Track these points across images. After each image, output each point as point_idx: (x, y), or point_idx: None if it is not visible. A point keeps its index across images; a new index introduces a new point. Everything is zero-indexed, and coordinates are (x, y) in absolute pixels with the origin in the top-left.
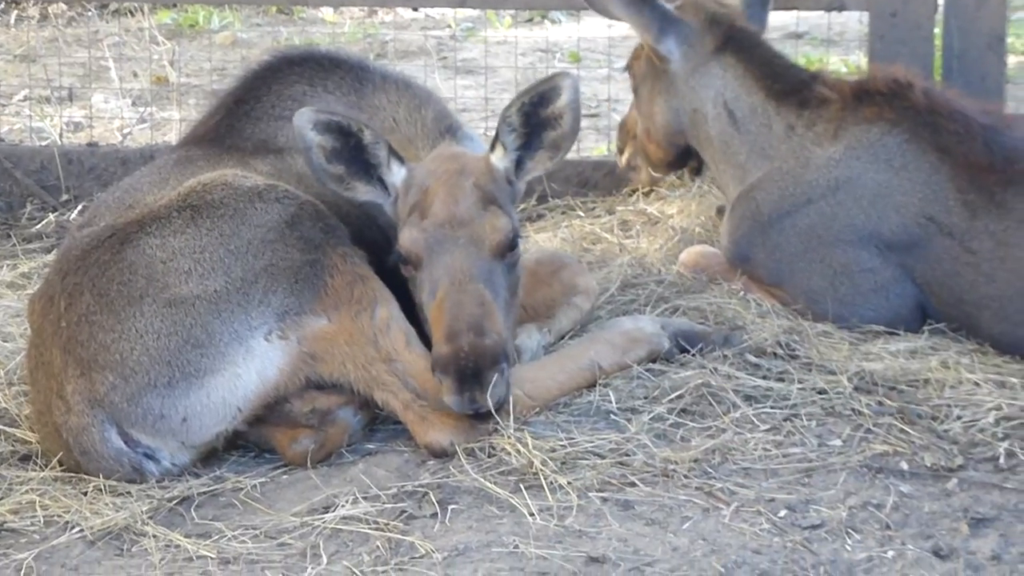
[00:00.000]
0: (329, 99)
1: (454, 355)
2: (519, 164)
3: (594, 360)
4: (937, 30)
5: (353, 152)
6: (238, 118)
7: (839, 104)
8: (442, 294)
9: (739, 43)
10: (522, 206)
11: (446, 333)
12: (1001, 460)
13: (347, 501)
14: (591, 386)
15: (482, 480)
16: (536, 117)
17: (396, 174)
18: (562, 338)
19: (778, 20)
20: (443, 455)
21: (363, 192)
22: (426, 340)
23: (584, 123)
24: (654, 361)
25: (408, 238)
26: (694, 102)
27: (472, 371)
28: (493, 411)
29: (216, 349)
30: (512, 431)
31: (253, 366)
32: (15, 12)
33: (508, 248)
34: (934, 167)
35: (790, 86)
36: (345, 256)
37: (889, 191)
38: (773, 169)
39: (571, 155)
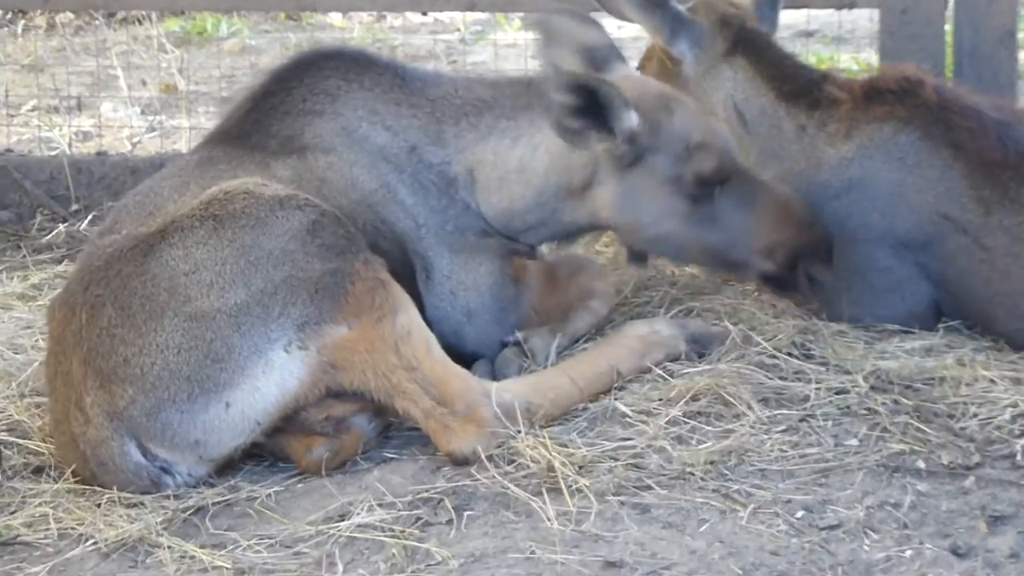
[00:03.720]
0: (367, 95)
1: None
2: None
3: (613, 365)
4: (948, 26)
5: (588, 107)
6: (265, 113)
7: (850, 104)
8: (777, 194)
9: (749, 44)
10: None
11: (807, 221)
12: (1018, 457)
13: (362, 509)
14: (608, 391)
15: (503, 482)
16: None
17: (629, 119)
18: (576, 341)
19: (789, 19)
20: (466, 463)
21: (596, 142)
22: (449, 353)
23: None
24: (672, 361)
25: (713, 154)
26: (706, 104)
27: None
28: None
29: (236, 363)
30: (533, 436)
31: (272, 379)
32: (22, 22)
33: None
34: (947, 164)
35: (800, 87)
36: (367, 262)
37: (903, 190)
38: (785, 170)
39: None
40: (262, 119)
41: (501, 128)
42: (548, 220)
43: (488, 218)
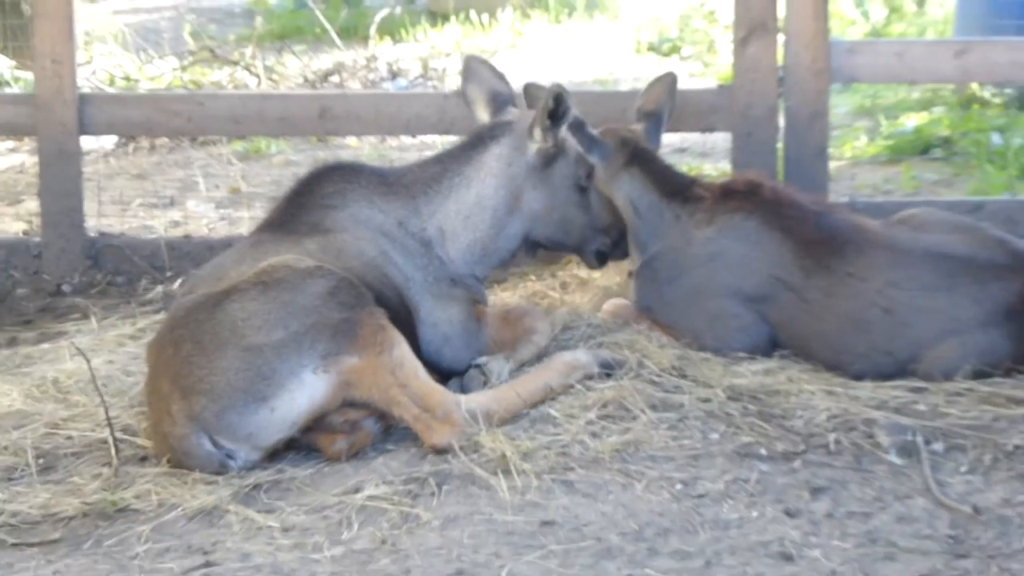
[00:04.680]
0: (364, 191)
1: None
2: None
3: (547, 382)
4: (780, 144)
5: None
6: (295, 209)
7: (711, 200)
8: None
9: (641, 159)
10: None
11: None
12: (831, 446)
13: (371, 485)
14: (544, 401)
15: (471, 466)
16: None
17: (563, 131)
18: (522, 366)
19: (668, 139)
20: (444, 453)
21: (546, 140)
22: (430, 372)
23: None
24: (588, 379)
25: (586, 159)
26: (613, 199)
27: None
28: None
29: (278, 381)
30: (491, 433)
31: (305, 393)
32: (132, 144)
33: None
34: (780, 242)
35: (677, 188)
36: (371, 313)
37: (748, 260)
38: (666, 246)
39: None
40: (295, 212)
41: (456, 184)
42: (499, 238)
43: (458, 263)
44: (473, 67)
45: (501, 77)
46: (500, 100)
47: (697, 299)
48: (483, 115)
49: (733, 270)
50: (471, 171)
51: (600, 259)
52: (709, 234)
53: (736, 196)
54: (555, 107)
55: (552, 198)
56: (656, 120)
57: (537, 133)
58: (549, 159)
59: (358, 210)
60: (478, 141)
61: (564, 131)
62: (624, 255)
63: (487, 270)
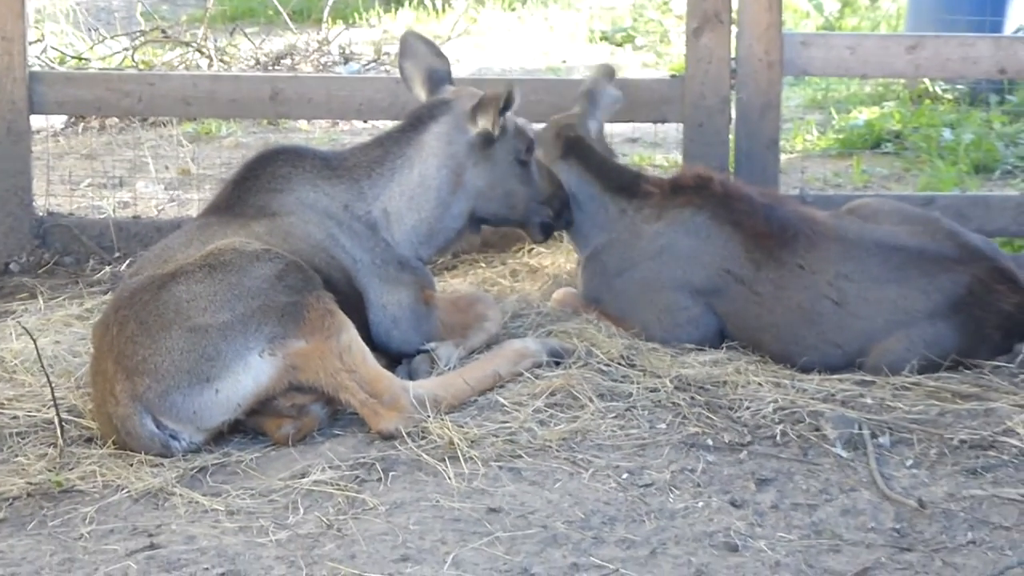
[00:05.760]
0: (309, 175)
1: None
2: None
3: (496, 370)
4: (731, 136)
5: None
6: (242, 192)
7: (660, 195)
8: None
9: (577, 151)
10: (440, 260)
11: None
12: (777, 438)
13: (317, 470)
14: (493, 388)
15: (418, 452)
16: None
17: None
18: (472, 353)
19: (619, 129)
20: (391, 438)
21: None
22: (380, 356)
23: None
24: (537, 367)
25: (526, 133)
26: None
27: None
28: None
29: (223, 362)
30: (438, 419)
31: (250, 375)
32: (82, 124)
33: None
34: (729, 235)
35: (621, 182)
36: (319, 297)
37: (698, 253)
38: (612, 239)
39: None
40: (241, 195)
41: (398, 166)
42: (444, 218)
43: (403, 245)
44: (410, 43)
45: (439, 54)
46: (437, 77)
47: (646, 292)
48: (420, 92)
49: (683, 263)
50: (412, 152)
51: (545, 231)
52: (659, 228)
53: (685, 191)
54: (508, 105)
55: (493, 174)
56: (593, 100)
57: (483, 121)
58: (490, 138)
59: (304, 193)
60: (417, 122)
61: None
62: (568, 224)
63: (433, 251)
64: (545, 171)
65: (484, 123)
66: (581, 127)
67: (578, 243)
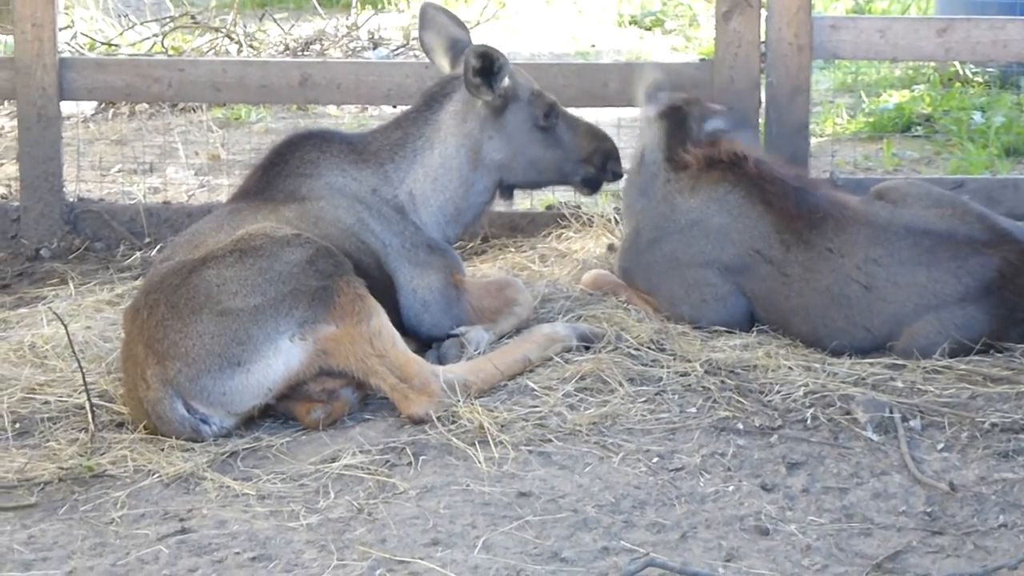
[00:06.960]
0: (337, 159)
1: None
2: None
3: (526, 355)
4: (762, 120)
5: (484, 69)
6: (272, 177)
7: (696, 167)
8: (583, 120)
9: (671, 118)
10: (469, 244)
11: (603, 134)
12: (808, 421)
13: (348, 454)
14: (523, 373)
15: (448, 436)
16: None
17: (504, 79)
18: (503, 337)
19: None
20: (421, 423)
21: (484, 94)
22: (410, 340)
23: None
24: (567, 352)
25: (545, 96)
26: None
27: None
28: None
29: (254, 346)
30: (469, 404)
31: (281, 359)
32: (112, 110)
33: None
34: (760, 215)
35: (677, 154)
36: (349, 282)
37: (728, 231)
38: (648, 205)
39: (503, 208)
40: (271, 180)
41: (419, 148)
42: (469, 195)
43: (431, 226)
44: (430, 14)
45: (460, 24)
46: (459, 47)
47: (675, 266)
48: (443, 63)
49: (712, 239)
50: (431, 132)
51: (590, 185)
52: (692, 203)
53: (720, 166)
54: (483, 66)
55: (511, 145)
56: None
57: (474, 93)
58: (498, 108)
59: (332, 178)
60: (432, 101)
61: (507, 80)
62: (616, 177)
63: (461, 229)
64: (583, 128)
65: (473, 93)
66: (694, 108)
67: (627, 206)
